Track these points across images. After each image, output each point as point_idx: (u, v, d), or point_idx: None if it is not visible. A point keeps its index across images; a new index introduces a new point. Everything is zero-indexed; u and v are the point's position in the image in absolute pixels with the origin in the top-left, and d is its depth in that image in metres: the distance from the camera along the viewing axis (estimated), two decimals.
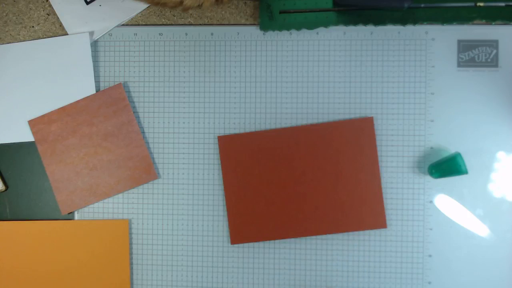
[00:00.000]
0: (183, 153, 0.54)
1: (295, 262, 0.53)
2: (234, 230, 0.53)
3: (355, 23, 0.51)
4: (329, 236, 0.52)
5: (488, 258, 0.51)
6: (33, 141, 0.55)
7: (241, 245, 0.53)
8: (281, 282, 0.53)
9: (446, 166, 0.48)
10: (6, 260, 0.55)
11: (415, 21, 0.51)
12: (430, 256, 0.52)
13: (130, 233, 0.54)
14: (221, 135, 0.53)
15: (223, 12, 0.54)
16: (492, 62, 0.51)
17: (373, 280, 0.52)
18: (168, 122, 0.54)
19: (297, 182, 0.52)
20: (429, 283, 0.51)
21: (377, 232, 0.52)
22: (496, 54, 0.51)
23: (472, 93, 0.51)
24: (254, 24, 0.53)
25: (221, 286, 0.53)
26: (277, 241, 0.53)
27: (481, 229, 0.51)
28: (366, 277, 0.52)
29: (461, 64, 0.52)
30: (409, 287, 0.52)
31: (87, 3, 0.55)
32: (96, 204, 0.54)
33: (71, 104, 0.54)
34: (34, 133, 0.54)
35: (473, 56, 0.51)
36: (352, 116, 0.52)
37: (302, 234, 0.52)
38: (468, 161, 0.50)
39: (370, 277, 0.52)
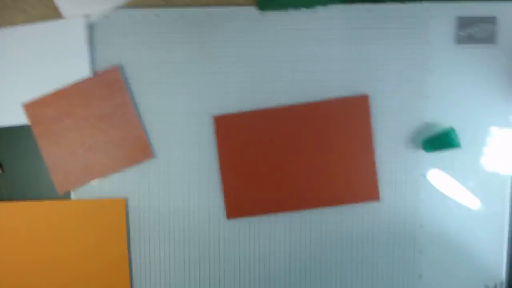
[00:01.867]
0: (179, 133, 0.54)
1: (290, 235, 0.54)
2: (230, 204, 0.53)
3: (353, 1, 0.51)
4: (324, 209, 0.53)
5: (477, 228, 0.53)
6: (29, 124, 0.54)
7: (237, 219, 0.54)
8: (276, 253, 0.54)
9: (440, 140, 0.49)
10: (5, 240, 0.55)
11: None
12: (421, 226, 0.53)
13: (127, 211, 0.54)
14: (216, 115, 0.53)
15: None
16: (490, 39, 0.52)
17: (366, 250, 0.54)
18: (164, 102, 0.53)
19: (292, 158, 0.53)
20: (420, 252, 0.53)
21: (370, 204, 0.53)
22: (494, 31, 0.52)
23: (469, 69, 0.52)
24: (252, 4, 0.52)
25: (217, 258, 0.55)
26: (272, 215, 0.54)
27: (471, 201, 0.53)
28: (359, 248, 0.54)
29: (459, 40, 0.52)
30: (401, 256, 0.53)
31: None
32: (92, 184, 0.54)
33: (66, 87, 0.53)
34: (29, 116, 0.54)
35: (471, 33, 0.51)
36: (350, 93, 0.53)
37: (297, 208, 0.53)
38: (462, 136, 0.51)
39: (364, 247, 0.54)
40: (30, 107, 0.54)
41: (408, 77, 0.52)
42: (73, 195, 0.55)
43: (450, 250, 0.53)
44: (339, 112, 0.52)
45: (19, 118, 0.54)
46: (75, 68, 0.53)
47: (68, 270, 0.55)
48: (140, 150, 0.54)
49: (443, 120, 0.52)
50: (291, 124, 0.52)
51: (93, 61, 0.53)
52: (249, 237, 0.54)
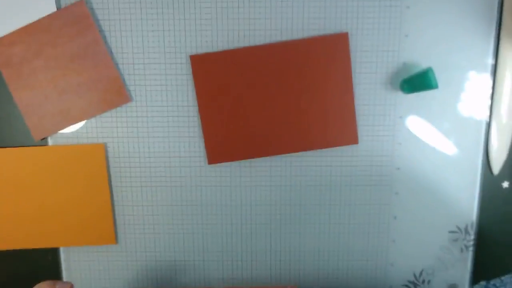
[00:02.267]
0: (155, 74, 0.52)
1: (271, 179, 0.55)
2: (211, 150, 0.53)
3: None
4: (304, 153, 0.54)
5: (451, 171, 0.54)
6: None
7: (218, 164, 0.54)
8: (257, 198, 0.55)
9: (417, 81, 0.49)
10: None
11: None
12: (398, 169, 0.54)
13: (107, 157, 0.54)
14: (193, 54, 0.52)
15: None
16: None
17: (344, 193, 0.55)
18: (137, 41, 0.52)
19: (271, 100, 0.52)
20: (396, 193, 0.55)
21: (348, 147, 0.54)
22: None
23: (448, 7, 0.50)
24: None
25: (199, 203, 0.55)
26: (253, 159, 0.54)
27: (446, 145, 0.53)
28: (337, 191, 0.55)
29: None
30: (377, 198, 0.55)
31: None
32: (69, 129, 0.54)
33: (31, 23, 0.51)
34: None
35: None
36: (327, 31, 0.51)
37: (277, 152, 0.53)
38: (440, 77, 0.51)
39: (342, 190, 0.55)
40: None
41: (387, 14, 0.51)
42: (50, 142, 0.54)
43: (424, 193, 0.54)
44: (318, 50, 0.51)
45: None
46: (39, 2, 0.51)
47: (50, 218, 0.55)
48: (116, 93, 0.52)
49: (422, 60, 0.52)
50: (269, 64, 0.51)
51: None
52: (230, 182, 0.55)
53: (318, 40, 0.51)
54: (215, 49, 0.52)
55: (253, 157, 0.53)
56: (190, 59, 0.52)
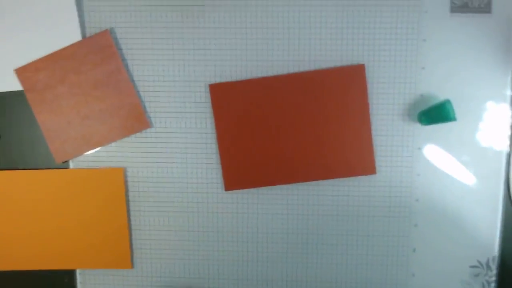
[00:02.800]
0: (175, 102, 0.53)
1: (288, 207, 0.54)
2: (228, 176, 0.54)
3: None
4: (321, 182, 0.53)
5: (471, 203, 0.53)
6: (22, 90, 0.54)
7: (235, 191, 0.54)
8: (274, 225, 0.54)
9: (435, 113, 0.48)
10: (2, 208, 0.56)
11: None
12: (417, 200, 0.53)
13: (126, 181, 0.55)
14: (212, 83, 0.53)
15: None
16: (486, 8, 0.50)
17: (362, 224, 0.54)
18: (158, 70, 0.53)
19: (288, 129, 0.52)
20: (415, 225, 0.53)
21: (366, 178, 0.53)
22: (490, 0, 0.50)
23: (464, 39, 0.50)
24: None
25: (216, 230, 0.55)
26: (270, 187, 0.54)
27: (466, 176, 0.52)
28: (355, 221, 0.54)
29: (454, 9, 0.50)
30: (396, 229, 0.54)
31: None
32: (90, 154, 0.55)
33: (57, 51, 0.53)
34: (21, 82, 0.54)
35: (466, 1, 0.50)
36: (344, 62, 0.52)
37: (294, 180, 0.53)
38: (458, 108, 0.50)
39: (359, 221, 0.54)
40: (22, 72, 0.53)
41: (403, 46, 0.51)
42: (71, 165, 0.55)
43: (444, 225, 0.53)
44: (335, 81, 0.51)
45: (12, 83, 0.54)
46: (65, 31, 0.53)
47: (68, 240, 0.56)
48: (136, 119, 0.54)
49: (439, 92, 0.51)
50: (286, 94, 0.52)
51: (82, 24, 0.53)
52: (247, 209, 0.55)
53: (335, 71, 0.51)
54: (233, 79, 0.53)
55: (270, 185, 0.53)
56: (209, 88, 0.53)
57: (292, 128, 0.52)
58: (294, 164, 0.52)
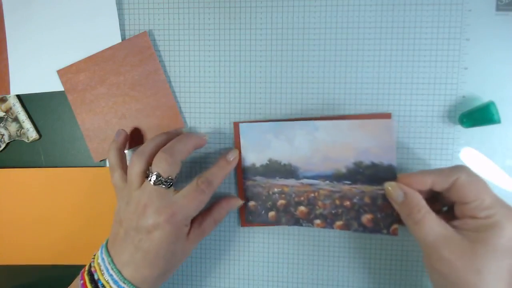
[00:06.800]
0: (209, 102, 0.54)
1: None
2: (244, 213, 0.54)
3: None
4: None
5: None
6: (63, 91, 0.56)
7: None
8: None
9: (478, 115, 0.46)
10: (43, 204, 0.58)
11: None
12: None
13: None
14: (236, 121, 0.53)
15: None
16: None
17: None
18: (194, 71, 0.54)
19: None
20: None
21: None
22: None
23: (510, 38, 0.48)
24: None
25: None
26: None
27: (508, 182, 0.50)
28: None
29: (500, 7, 0.48)
30: None
31: None
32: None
33: (97, 53, 0.54)
34: (63, 83, 0.55)
35: None
36: (382, 62, 0.50)
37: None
38: (502, 111, 0.48)
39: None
40: (64, 73, 0.55)
41: (445, 46, 0.49)
42: (108, 163, 0.56)
43: None
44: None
45: (54, 84, 0.56)
46: (105, 33, 0.54)
47: (104, 235, 0.57)
48: (172, 119, 0.54)
49: (482, 93, 0.49)
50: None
51: (122, 26, 0.54)
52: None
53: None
54: (268, 81, 0.52)
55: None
56: (234, 126, 0.53)
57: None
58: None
